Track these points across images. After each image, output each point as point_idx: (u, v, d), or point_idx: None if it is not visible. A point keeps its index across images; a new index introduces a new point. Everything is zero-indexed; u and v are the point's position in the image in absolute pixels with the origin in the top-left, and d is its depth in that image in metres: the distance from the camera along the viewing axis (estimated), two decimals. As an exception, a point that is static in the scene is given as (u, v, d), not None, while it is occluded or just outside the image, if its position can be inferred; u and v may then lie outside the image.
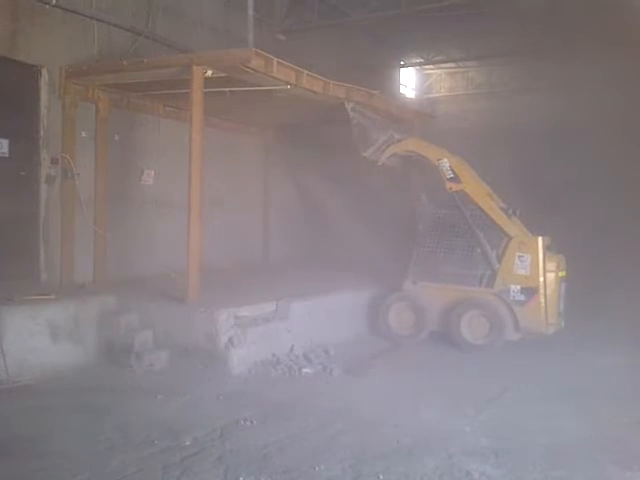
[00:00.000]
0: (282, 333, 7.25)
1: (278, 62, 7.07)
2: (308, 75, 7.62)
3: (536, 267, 7.81)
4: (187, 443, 4.65)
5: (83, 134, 8.19)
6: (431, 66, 17.87)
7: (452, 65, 17.80)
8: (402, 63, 17.20)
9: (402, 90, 17.65)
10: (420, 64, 17.36)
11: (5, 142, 7.37)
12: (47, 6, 7.60)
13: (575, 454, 4.64)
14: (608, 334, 8.58)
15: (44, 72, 7.71)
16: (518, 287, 7.84)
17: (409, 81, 18.45)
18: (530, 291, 7.79)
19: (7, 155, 7.41)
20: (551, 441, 4.88)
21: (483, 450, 4.66)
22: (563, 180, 13.41)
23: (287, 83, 7.42)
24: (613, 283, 10.51)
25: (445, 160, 8.30)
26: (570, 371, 7.01)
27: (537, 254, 7.84)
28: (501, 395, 6.10)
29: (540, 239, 7.93)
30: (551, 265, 7.88)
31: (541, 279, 7.79)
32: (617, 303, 9.81)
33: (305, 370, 6.71)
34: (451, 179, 8.27)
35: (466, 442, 4.82)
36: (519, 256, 7.87)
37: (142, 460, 4.33)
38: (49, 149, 7.80)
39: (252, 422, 5.11)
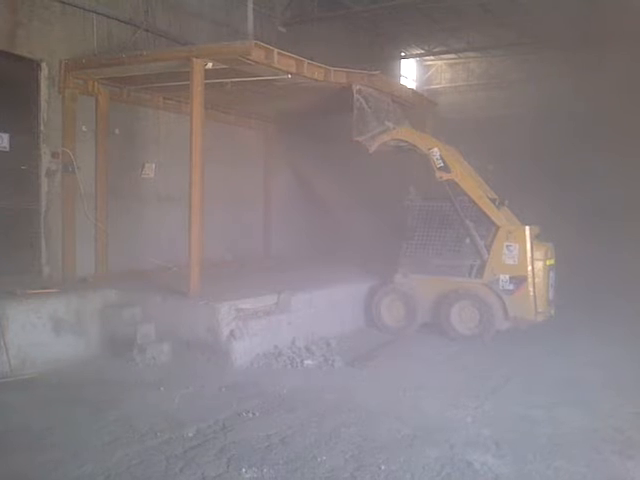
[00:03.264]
0: (283, 325, 7.27)
1: (279, 53, 7.05)
2: (309, 64, 7.59)
3: (524, 256, 7.86)
4: (190, 435, 4.67)
5: (83, 128, 8.18)
6: (431, 57, 17.81)
7: (452, 56, 17.74)
8: (402, 54, 17.15)
9: (403, 81, 17.61)
10: (420, 55, 17.30)
11: (5, 136, 7.36)
12: (46, -1, 7.59)
13: (577, 444, 4.66)
14: (599, 322, 8.63)
15: (44, 66, 7.69)
16: (507, 276, 7.89)
17: (410, 72, 18.42)
18: (519, 280, 7.84)
19: (7, 149, 7.40)
20: (552, 431, 4.90)
21: (484, 441, 4.68)
22: (561, 168, 13.43)
23: (288, 73, 7.41)
24: (606, 271, 10.56)
25: (436, 149, 8.32)
26: (567, 360, 7.03)
27: (525, 243, 7.88)
28: (501, 386, 6.12)
29: (527, 228, 7.98)
30: (539, 254, 7.94)
31: (529, 268, 7.84)
32: (610, 290, 9.85)
33: (307, 362, 6.73)
34: (441, 168, 8.29)
35: (467, 433, 4.84)
36: (507, 246, 7.92)
37: (145, 452, 4.36)
38: (49, 143, 7.79)
39: (254, 414, 5.14)
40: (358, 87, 8.40)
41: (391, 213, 9.96)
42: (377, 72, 8.82)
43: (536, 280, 7.86)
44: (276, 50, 7.01)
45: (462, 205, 8.27)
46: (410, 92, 10.28)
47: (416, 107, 10.09)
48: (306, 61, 7.55)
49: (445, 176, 8.29)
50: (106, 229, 8.36)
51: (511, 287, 7.87)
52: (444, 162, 8.28)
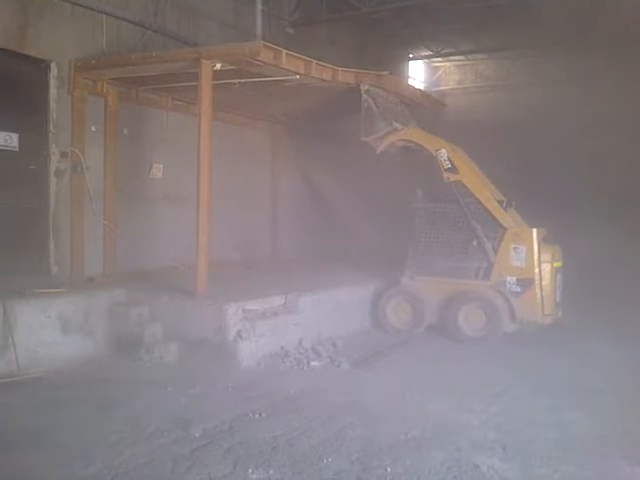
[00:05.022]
0: (290, 326, 7.27)
1: (287, 54, 7.05)
2: (317, 64, 7.58)
3: (531, 258, 7.85)
4: (196, 435, 4.68)
5: (92, 128, 8.22)
6: (440, 59, 17.79)
7: (461, 58, 17.71)
8: (411, 56, 17.13)
9: (411, 83, 17.60)
10: (429, 57, 17.28)
11: (15, 136, 7.40)
12: (56, 0, 7.61)
13: (584, 448, 4.64)
14: (607, 324, 8.58)
15: (53, 66, 7.73)
16: (514, 279, 7.88)
17: (418, 74, 18.40)
18: (526, 282, 7.83)
19: (17, 149, 7.43)
20: (559, 435, 4.87)
21: (491, 444, 4.66)
22: (568, 172, 13.39)
23: (296, 73, 7.41)
24: (613, 273, 10.49)
25: (443, 150, 8.31)
26: (574, 363, 6.99)
27: (532, 245, 7.88)
28: (508, 388, 6.09)
29: (535, 230, 7.97)
30: (546, 256, 7.92)
31: (536, 270, 7.83)
32: (616, 293, 9.79)
33: (313, 363, 6.73)
34: (448, 169, 8.28)
35: (474, 436, 4.82)
36: (514, 248, 7.92)
37: (152, 451, 4.37)
38: (59, 143, 7.83)
39: (261, 415, 5.14)
40: (366, 87, 8.40)
41: (398, 215, 9.95)
42: (385, 73, 8.81)
43: (543, 282, 7.85)
44: (284, 51, 7.02)
45: (469, 207, 8.26)
46: (418, 93, 10.26)
47: (424, 108, 10.07)
48: (314, 61, 7.55)
49: (452, 177, 8.27)
50: (114, 229, 8.39)
51: (518, 289, 7.86)
52: (451, 163, 8.26)
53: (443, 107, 11.28)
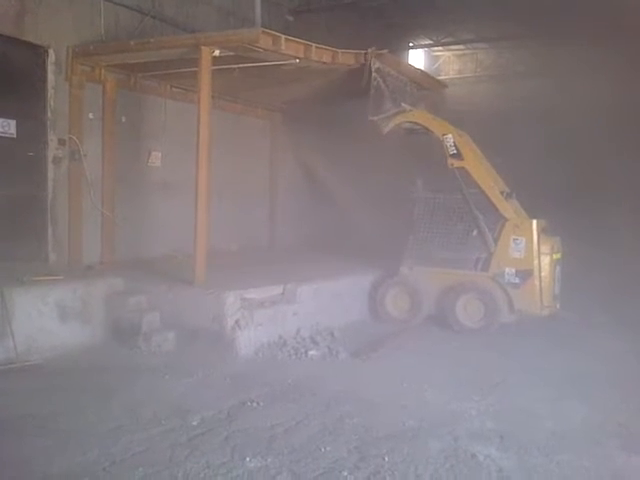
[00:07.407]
0: (288, 316, 7.27)
1: (286, 39, 6.98)
2: (317, 47, 7.49)
3: (531, 250, 7.84)
4: (194, 423, 4.69)
5: (90, 115, 8.18)
6: (440, 48, 17.71)
7: (461, 47, 17.63)
8: (411, 45, 17.04)
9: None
10: (429, 46, 17.20)
11: (12, 123, 7.36)
12: (54, -15, 7.55)
13: (581, 439, 4.65)
14: (606, 316, 8.59)
15: (51, 52, 7.68)
16: (513, 270, 7.87)
17: (418, 63, 18.30)
18: (525, 274, 7.83)
19: (14, 136, 7.40)
20: (556, 425, 4.89)
21: (489, 433, 4.67)
22: (568, 162, 13.35)
23: (296, 57, 7.34)
24: (612, 265, 10.50)
25: (450, 136, 8.24)
26: (572, 354, 7.00)
27: (532, 237, 7.86)
28: (505, 379, 6.10)
29: (534, 222, 7.95)
30: (546, 248, 7.90)
31: (535, 262, 7.82)
32: (615, 285, 9.80)
33: (311, 352, 6.74)
34: (453, 155, 8.21)
35: (472, 425, 4.84)
36: (514, 239, 7.90)
37: (150, 439, 4.37)
38: (56, 130, 7.79)
39: (259, 403, 5.15)
40: (377, 66, 8.18)
41: (398, 205, 9.92)
42: (385, 50, 8.65)
43: (542, 274, 7.85)
44: (283, 36, 6.95)
45: (471, 195, 8.21)
46: (419, 72, 10.12)
47: (425, 87, 9.93)
48: (314, 45, 7.45)
49: (457, 163, 8.21)
50: (112, 217, 8.36)
51: (517, 280, 7.86)
52: (457, 149, 8.19)
53: (444, 88, 11.14)
